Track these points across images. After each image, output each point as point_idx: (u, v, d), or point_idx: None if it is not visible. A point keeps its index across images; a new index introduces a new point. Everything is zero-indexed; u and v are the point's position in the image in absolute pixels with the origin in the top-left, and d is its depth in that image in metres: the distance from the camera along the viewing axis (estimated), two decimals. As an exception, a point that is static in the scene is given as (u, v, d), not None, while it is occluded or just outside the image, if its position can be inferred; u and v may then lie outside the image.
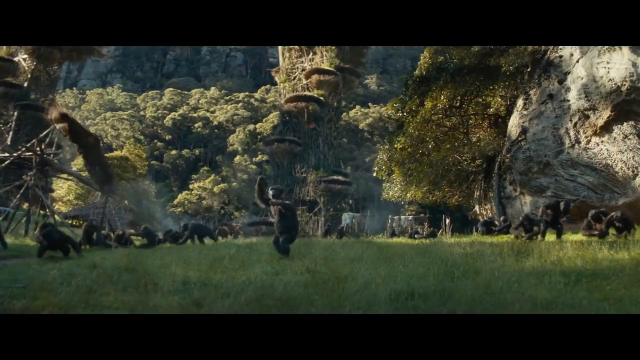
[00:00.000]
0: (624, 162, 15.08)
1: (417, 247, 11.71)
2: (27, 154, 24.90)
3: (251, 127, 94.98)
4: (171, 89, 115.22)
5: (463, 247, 10.28)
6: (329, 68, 59.80)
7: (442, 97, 23.55)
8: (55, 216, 25.02)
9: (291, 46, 62.43)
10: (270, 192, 10.71)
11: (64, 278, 6.61)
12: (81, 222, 18.04)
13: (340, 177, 59.73)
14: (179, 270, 7.76)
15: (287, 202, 10.97)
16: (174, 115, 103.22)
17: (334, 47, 60.28)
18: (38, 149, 24.28)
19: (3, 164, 26.27)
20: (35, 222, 22.72)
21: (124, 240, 17.70)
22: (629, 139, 15.04)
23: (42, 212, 27.57)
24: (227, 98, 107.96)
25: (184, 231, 19.54)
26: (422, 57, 25.29)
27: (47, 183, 28.89)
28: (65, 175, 31.99)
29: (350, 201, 66.24)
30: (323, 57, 61.05)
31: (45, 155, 24.34)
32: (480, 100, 24.81)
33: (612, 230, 12.63)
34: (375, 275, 6.88)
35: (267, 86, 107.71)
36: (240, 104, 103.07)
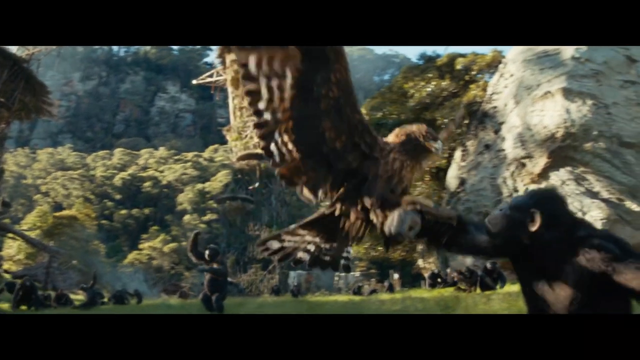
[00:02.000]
0: (563, 209, 14.78)
1: (347, 305, 11.08)
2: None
3: (200, 186, 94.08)
4: (121, 149, 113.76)
5: (393, 304, 9.76)
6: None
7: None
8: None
9: (242, 105, 62.39)
10: (206, 252, 10.43)
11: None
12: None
13: (293, 235, 58.83)
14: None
15: (217, 268, 10.68)
16: (124, 175, 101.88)
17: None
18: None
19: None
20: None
21: (63, 300, 17.03)
22: (566, 184, 14.97)
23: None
24: (176, 158, 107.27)
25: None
26: (359, 115, 25.23)
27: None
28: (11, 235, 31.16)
29: (305, 258, 65.19)
30: (274, 116, 61.05)
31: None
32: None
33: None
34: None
35: (216, 145, 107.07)
36: (189, 164, 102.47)
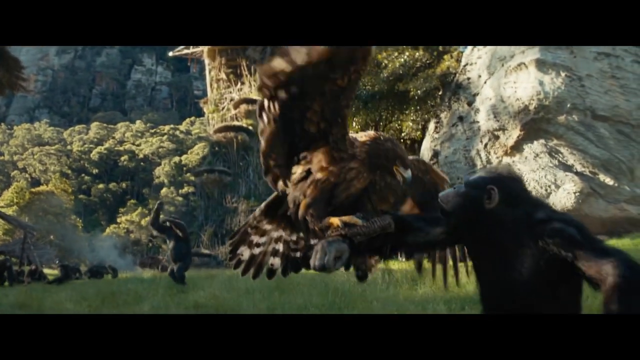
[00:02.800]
0: (537, 181, 14.83)
1: (314, 276, 10.98)
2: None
3: (177, 159, 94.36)
4: (97, 123, 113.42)
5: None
6: (258, 97, 59.00)
7: (354, 124, 23.06)
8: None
9: (219, 77, 61.73)
10: (167, 223, 11.11)
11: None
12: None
13: (271, 206, 58.74)
14: (70, 305, 8.06)
15: (179, 221, 11.29)
16: (100, 149, 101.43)
17: (261, 77, 59.83)
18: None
19: None
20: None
21: (37, 275, 17.19)
22: (540, 157, 14.88)
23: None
24: (153, 131, 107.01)
25: None
26: (333, 86, 24.79)
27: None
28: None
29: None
30: (251, 87, 60.41)
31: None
32: (397, 125, 24.47)
33: None
34: (257, 309, 6.93)
35: (192, 118, 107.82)
36: (166, 137, 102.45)
